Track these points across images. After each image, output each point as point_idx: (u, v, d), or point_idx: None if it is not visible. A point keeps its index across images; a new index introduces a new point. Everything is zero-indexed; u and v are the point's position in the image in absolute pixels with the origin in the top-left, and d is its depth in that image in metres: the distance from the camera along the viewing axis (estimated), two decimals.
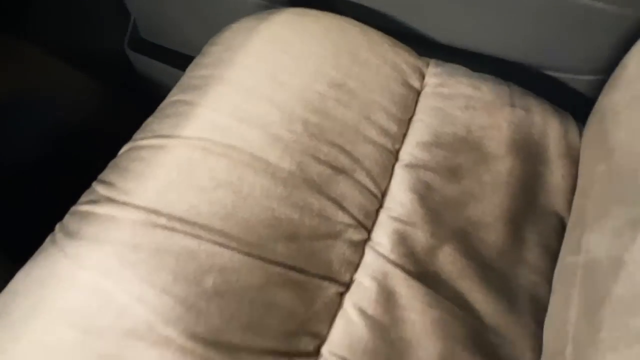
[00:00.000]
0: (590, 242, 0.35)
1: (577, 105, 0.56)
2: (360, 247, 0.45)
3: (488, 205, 0.48)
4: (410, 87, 0.53)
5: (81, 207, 0.42)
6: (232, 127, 0.45)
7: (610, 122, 0.41)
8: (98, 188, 0.43)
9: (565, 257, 0.41)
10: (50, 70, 0.96)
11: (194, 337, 0.35)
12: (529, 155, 0.51)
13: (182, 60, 0.79)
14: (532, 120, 0.52)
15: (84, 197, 0.43)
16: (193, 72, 0.52)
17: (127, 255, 0.37)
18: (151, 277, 0.37)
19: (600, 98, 0.47)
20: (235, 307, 0.37)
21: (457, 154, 0.50)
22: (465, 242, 0.46)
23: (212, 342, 0.36)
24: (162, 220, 0.39)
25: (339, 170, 0.46)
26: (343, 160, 0.46)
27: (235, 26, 0.55)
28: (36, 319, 0.35)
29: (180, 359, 0.34)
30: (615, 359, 0.28)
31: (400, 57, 0.54)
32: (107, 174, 0.44)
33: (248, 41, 0.51)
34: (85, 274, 0.37)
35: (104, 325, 0.35)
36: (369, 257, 0.44)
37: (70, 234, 0.40)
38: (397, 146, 0.50)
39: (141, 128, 0.48)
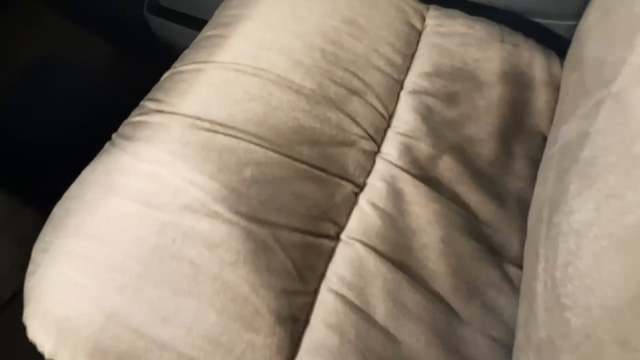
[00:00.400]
0: (563, 132, 0.43)
1: (560, 48, 0.63)
2: (371, 156, 0.52)
3: (482, 125, 0.55)
4: (412, 26, 0.60)
5: (134, 118, 0.49)
6: (260, 53, 0.52)
7: (584, 38, 0.49)
8: (147, 104, 0.50)
9: (545, 153, 0.49)
10: (72, 33, 1.02)
11: (238, 213, 0.42)
12: (517, 83, 0.58)
13: (196, 24, 0.85)
14: (519, 54, 0.59)
15: (135, 112, 0.50)
16: (222, 13, 0.59)
17: (178, 150, 0.45)
18: (200, 167, 0.44)
19: (579, 24, 0.54)
20: (270, 194, 0.45)
21: (454, 83, 0.57)
22: (462, 154, 0.53)
23: (252, 218, 0.43)
24: (206, 125, 0.46)
25: (352, 91, 0.53)
26: (356, 84, 0.54)
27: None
28: (107, 198, 0.42)
29: (228, 228, 0.41)
30: (580, 201, 0.35)
31: (404, 2, 0.61)
32: (153, 94, 0.51)
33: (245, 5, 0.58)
34: (144, 165, 0.44)
35: (164, 201, 0.42)
36: (379, 164, 0.51)
37: (127, 138, 0.47)
38: (402, 77, 0.57)
39: (179, 59, 0.55)
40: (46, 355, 0.38)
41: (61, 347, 0.37)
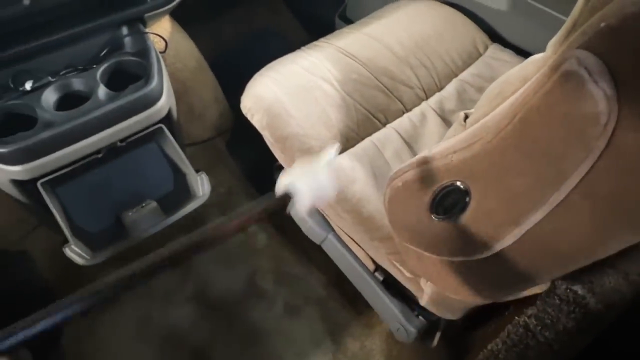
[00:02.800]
0: None
1: None
2: (419, 99, 0.95)
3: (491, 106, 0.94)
4: (476, 49, 1.02)
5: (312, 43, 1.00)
6: (384, 32, 0.99)
7: None
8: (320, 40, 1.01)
9: None
10: (280, 19, 1.63)
11: (343, 88, 0.89)
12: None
13: None
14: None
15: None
16: (360, 21, 1.07)
17: (327, 56, 0.93)
18: (334, 65, 0.91)
19: None
20: (359, 88, 0.90)
21: (485, 82, 0.97)
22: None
23: (347, 93, 0.89)
24: (343, 51, 0.94)
25: (425, 66, 0.97)
26: (428, 63, 0.97)
27: (387, 7, 1.10)
28: (290, 64, 0.92)
29: (335, 91, 0.88)
30: None
31: (477, 34, 1.04)
32: (324, 38, 1.02)
33: (387, 11, 1.06)
34: (311, 57, 0.93)
35: (314, 71, 0.90)
36: (422, 104, 0.94)
37: (309, 47, 0.97)
38: (458, 71, 0.99)
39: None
40: (246, 112, 0.88)
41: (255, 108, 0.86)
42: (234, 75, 1.40)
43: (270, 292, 1.14)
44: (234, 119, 1.40)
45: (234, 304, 1.13)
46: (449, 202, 0.50)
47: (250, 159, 1.35)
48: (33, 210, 1.02)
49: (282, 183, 0.53)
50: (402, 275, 0.78)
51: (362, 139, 0.87)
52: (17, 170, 0.81)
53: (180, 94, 1.03)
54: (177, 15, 1.25)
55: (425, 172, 0.52)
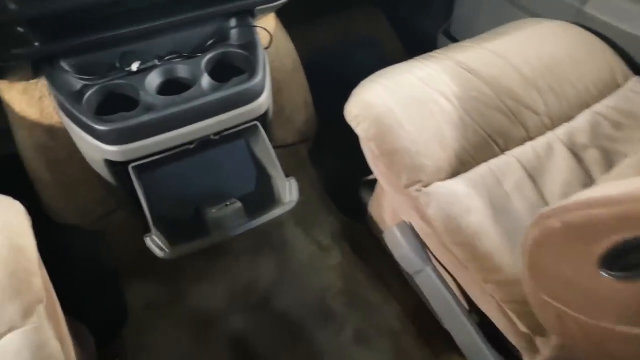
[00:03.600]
0: None
1: None
2: (545, 127, 0.83)
3: (632, 147, 0.81)
4: (615, 80, 0.90)
5: (431, 53, 0.92)
6: (512, 52, 0.89)
7: None
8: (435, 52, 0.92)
9: None
10: (378, 29, 1.56)
11: (462, 107, 0.80)
12: None
13: None
14: None
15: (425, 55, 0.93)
16: (481, 36, 0.98)
17: (445, 68, 0.84)
18: (453, 79, 0.83)
19: None
20: (479, 107, 0.81)
21: (624, 118, 0.84)
22: (606, 156, 0.80)
23: (467, 111, 0.79)
24: (463, 66, 0.85)
25: (554, 91, 0.85)
26: (558, 89, 0.86)
27: (511, 24, 1.00)
28: (406, 72, 0.84)
29: (453, 110, 0.79)
30: None
31: (617, 65, 0.91)
32: (439, 50, 0.93)
33: (512, 28, 0.95)
34: (429, 69, 0.85)
35: (430, 83, 0.82)
36: (548, 134, 0.82)
37: (424, 58, 0.89)
38: (591, 102, 0.87)
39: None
40: (351, 119, 0.81)
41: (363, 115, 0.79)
42: (324, 81, 1.35)
43: (340, 315, 1.05)
44: (318, 126, 1.34)
45: (301, 320, 1.05)
46: (635, 258, 0.40)
47: (333, 171, 1.28)
48: (116, 194, 1.01)
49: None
50: (512, 327, 0.67)
51: (478, 163, 0.77)
52: (112, 151, 0.79)
53: (274, 94, 0.98)
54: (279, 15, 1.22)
55: (603, 216, 0.41)
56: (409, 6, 1.55)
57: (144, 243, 0.83)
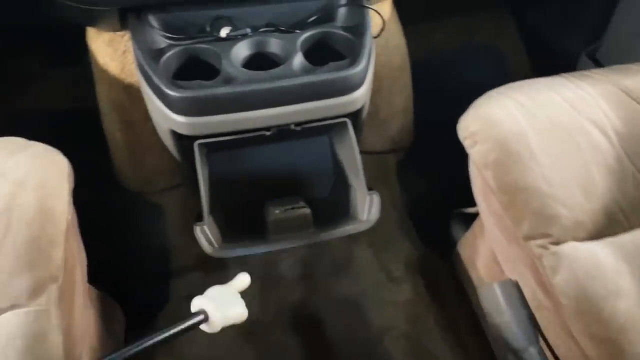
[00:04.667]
0: None
1: None
2: None
3: None
4: None
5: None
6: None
7: None
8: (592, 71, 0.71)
9: None
10: (504, 40, 1.34)
11: (622, 146, 0.59)
12: None
13: None
14: None
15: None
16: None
17: (602, 92, 0.64)
18: (613, 107, 0.62)
19: None
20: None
21: None
22: None
23: (628, 153, 0.59)
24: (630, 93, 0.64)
25: None
26: None
27: None
28: (549, 90, 0.65)
29: (610, 147, 0.59)
30: None
31: None
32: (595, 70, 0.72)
33: None
34: (579, 90, 0.65)
35: (581, 108, 0.62)
36: None
37: (575, 77, 0.69)
38: None
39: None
40: (466, 136, 0.64)
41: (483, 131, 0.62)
42: (430, 87, 1.18)
43: None
44: (413, 136, 1.17)
45: (348, 357, 0.90)
46: None
47: (422, 191, 1.10)
48: (182, 169, 0.93)
49: (195, 304, 0.50)
50: None
51: (633, 227, 0.56)
52: (180, 122, 0.69)
53: (372, 92, 0.83)
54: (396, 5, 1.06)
55: None
56: (547, 16, 1.31)
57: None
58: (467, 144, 0.65)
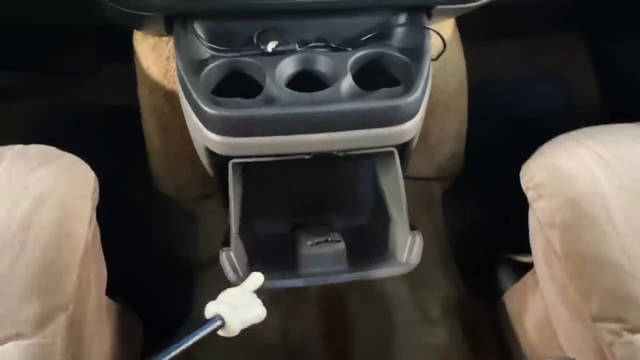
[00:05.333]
0: None
1: None
2: None
3: None
4: None
5: None
6: None
7: None
8: None
9: None
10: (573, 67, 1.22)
11: None
12: None
13: None
14: None
15: None
16: None
17: None
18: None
19: None
20: None
21: None
22: None
23: None
24: None
25: None
26: None
27: None
28: (633, 143, 0.56)
29: None
30: None
31: None
32: None
33: None
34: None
35: None
36: None
37: None
38: None
39: None
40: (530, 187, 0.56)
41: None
42: (486, 113, 1.09)
43: None
44: (463, 165, 1.09)
45: None
46: None
47: (468, 226, 1.02)
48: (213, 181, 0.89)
49: (209, 310, 0.47)
50: None
51: None
52: (215, 140, 0.64)
53: (425, 116, 0.76)
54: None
55: None
56: (625, 42, 1.18)
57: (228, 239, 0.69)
58: (530, 195, 0.57)
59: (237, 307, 0.49)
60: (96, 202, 0.56)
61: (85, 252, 0.51)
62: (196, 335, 0.46)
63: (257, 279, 0.56)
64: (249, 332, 0.88)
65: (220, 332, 0.48)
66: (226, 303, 0.50)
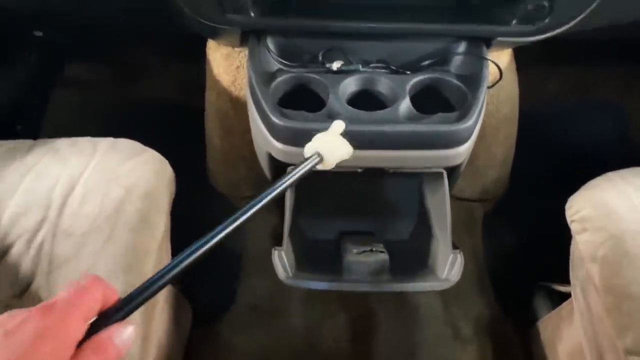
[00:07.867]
0: None
1: None
2: None
3: None
4: None
5: None
6: None
7: None
8: None
9: None
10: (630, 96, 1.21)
11: None
12: None
13: None
14: None
15: None
16: None
17: None
18: None
19: None
20: None
21: None
22: None
23: None
24: None
25: None
26: None
27: None
28: None
29: None
30: None
31: None
32: None
33: None
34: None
35: None
36: None
37: None
38: None
39: None
40: (575, 219, 0.58)
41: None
42: (535, 140, 1.10)
43: None
44: (506, 190, 1.11)
45: None
46: None
47: (507, 250, 1.04)
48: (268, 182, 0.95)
49: (308, 148, 0.52)
50: None
51: None
52: (278, 148, 0.70)
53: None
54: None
55: None
56: None
57: (277, 238, 0.74)
58: (574, 227, 0.59)
59: (331, 144, 0.53)
60: (173, 196, 0.63)
61: (162, 239, 0.58)
62: (299, 171, 0.48)
63: (340, 124, 0.58)
64: (280, 337, 0.93)
65: (319, 167, 0.51)
66: (322, 142, 0.53)
